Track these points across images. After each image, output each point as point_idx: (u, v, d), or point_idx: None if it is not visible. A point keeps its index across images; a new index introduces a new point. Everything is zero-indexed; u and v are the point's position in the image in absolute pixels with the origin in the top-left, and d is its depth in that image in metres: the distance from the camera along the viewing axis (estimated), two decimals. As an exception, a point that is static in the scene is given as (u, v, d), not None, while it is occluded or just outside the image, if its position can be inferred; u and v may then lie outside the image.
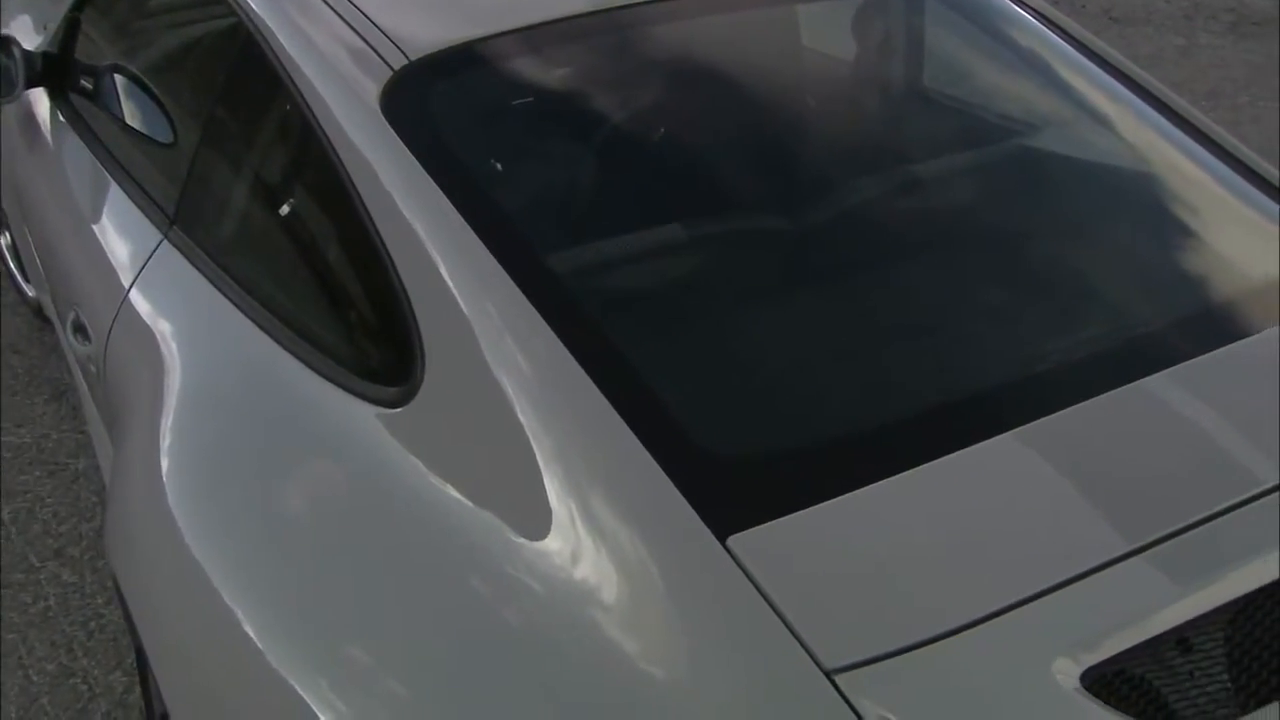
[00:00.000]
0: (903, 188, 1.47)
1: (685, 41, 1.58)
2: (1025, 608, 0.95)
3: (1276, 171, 1.52)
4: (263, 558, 1.17)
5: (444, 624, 1.02)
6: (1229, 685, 0.95)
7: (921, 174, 1.49)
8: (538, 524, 1.03)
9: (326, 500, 1.21)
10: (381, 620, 1.05)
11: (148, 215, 1.76)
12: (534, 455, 1.06)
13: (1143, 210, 1.50)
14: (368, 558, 1.11)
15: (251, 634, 1.10)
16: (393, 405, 1.20)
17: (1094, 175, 1.57)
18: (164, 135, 1.87)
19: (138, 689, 2.01)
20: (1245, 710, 0.92)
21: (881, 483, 1.03)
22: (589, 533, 1.01)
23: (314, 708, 1.02)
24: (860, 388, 1.18)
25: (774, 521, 0.99)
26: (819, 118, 1.63)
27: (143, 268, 1.68)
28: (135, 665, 1.99)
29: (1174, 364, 1.18)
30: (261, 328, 1.41)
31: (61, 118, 2.19)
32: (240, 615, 1.12)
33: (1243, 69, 5.03)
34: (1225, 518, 1.04)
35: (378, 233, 1.28)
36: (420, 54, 1.42)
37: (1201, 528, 1.03)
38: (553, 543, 1.02)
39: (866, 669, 0.90)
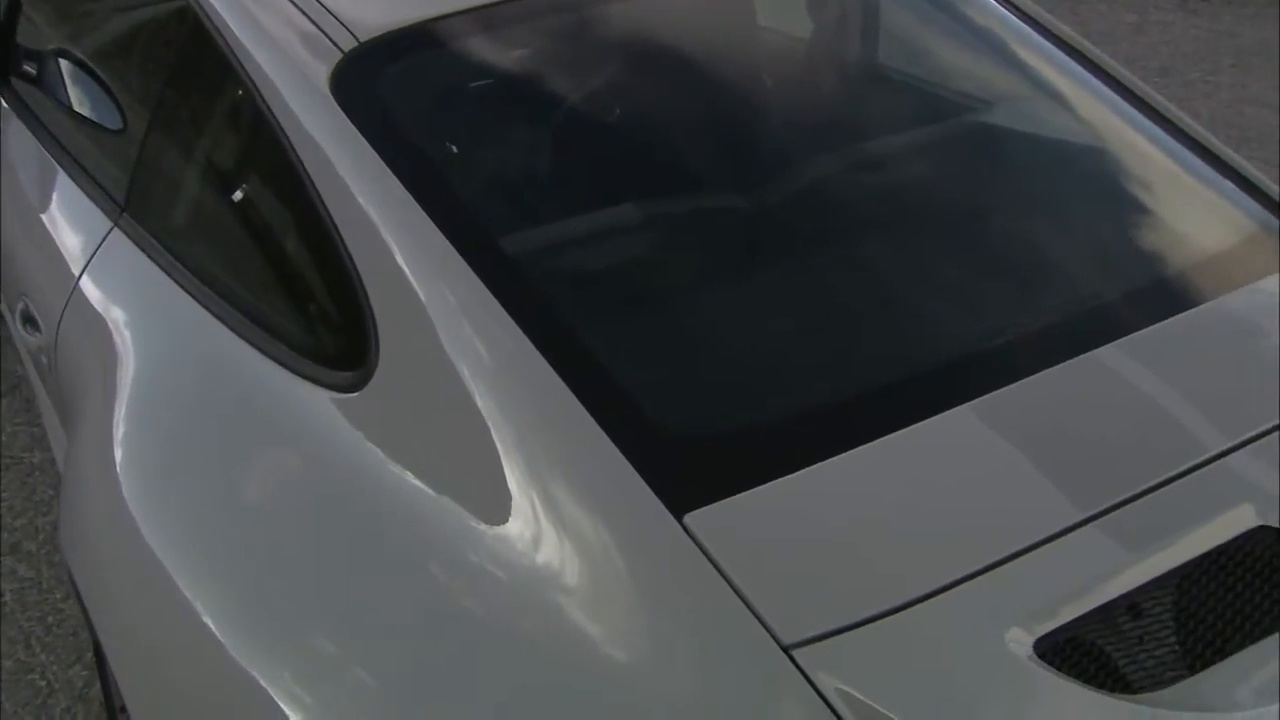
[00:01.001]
0: (856, 165, 1.48)
1: (640, 21, 1.57)
2: (979, 579, 0.96)
3: (1225, 146, 1.54)
4: (220, 548, 1.16)
5: (406, 612, 1.02)
6: (1176, 648, 0.96)
7: (875, 151, 1.49)
8: (496, 509, 1.03)
9: (284, 488, 1.20)
10: (343, 610, 1.05)
11: (96, 203, 1.73)
12: (492, 439, 1.06)
13: (1092, 185, 1.52)
14: (328, 546, 1.10)
15: (211, 626, 1.09)
16: (348, 390, 1.20)
17: (1045, 151, 1.58)
18: (112, 121, 1.84)
19: (98, 684, 2.00)
20: (1192, 671, 0.94)
21: (836, 458, 1.04)
22: (548, 516, 1.01)
23: (276, 699, 1.02)
24: (815, 364, 1.18)
25: (730, 498, 1.00)
26: (774, 97, 1.63)
27: (92, 256, 1.66)
28: (94, 660, 1.97)
29: (1122, 336, 1.19)
30: (214, 314, 1.39)
31: (4, 104, 2.15)
32: (199, 607, 1.11)
33: (1193, 44, 5.10)
34: (1173, 485, 1.06)
35: (330, 217, 1.26)
36: (370, 35, 1.41)
37: (1151, 495, 1.05)
38: (512, 527, 1.02)
39: (823, 643, 0.91)
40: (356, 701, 1.00)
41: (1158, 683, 0.93)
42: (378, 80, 1.38)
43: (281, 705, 1.01)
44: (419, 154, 1.32)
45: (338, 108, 1.33)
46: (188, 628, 1.11)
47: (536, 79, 1.53)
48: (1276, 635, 0.96)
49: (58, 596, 2.18)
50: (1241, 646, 0.95)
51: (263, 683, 1.03)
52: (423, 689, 0.97)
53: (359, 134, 1.30)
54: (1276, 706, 0.89)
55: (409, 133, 1.34)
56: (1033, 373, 1.14)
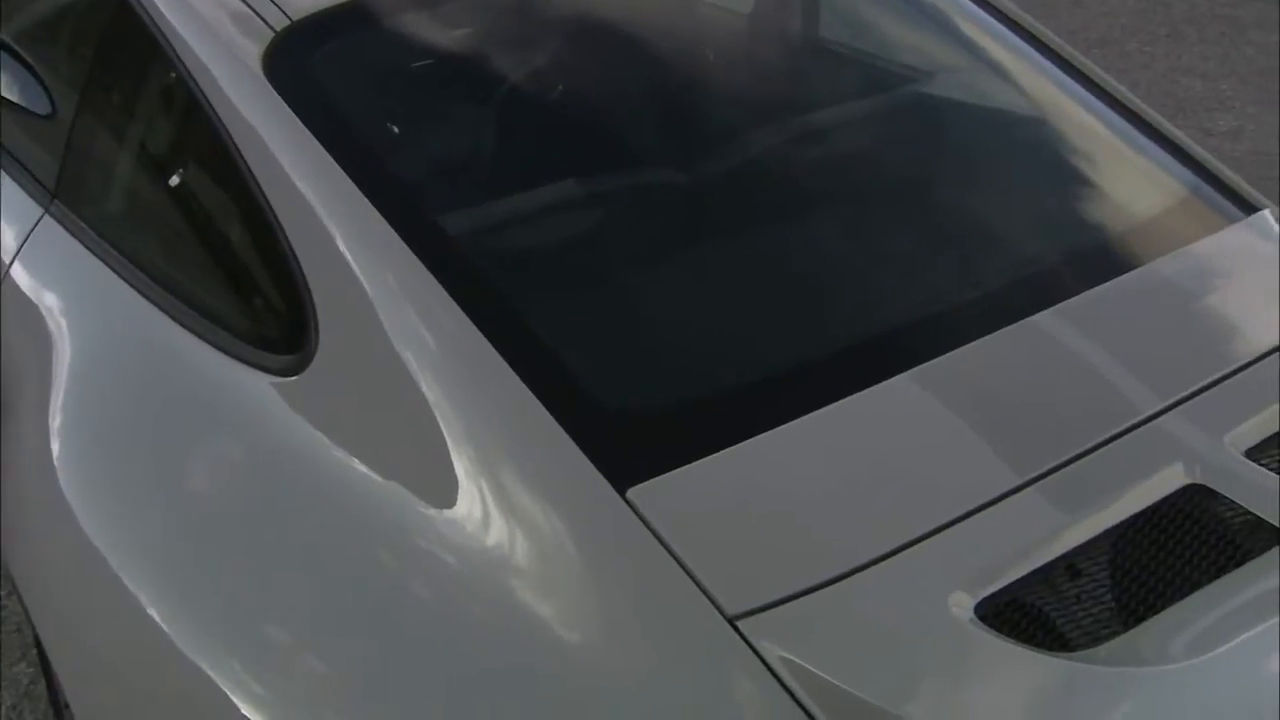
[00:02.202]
0: (795, 139, 1.48)
1: None
2: (920, 545, 0.98)
3: (1159, 116, 1.56)
4: (162, 539, 1.15)
5: (356, 599, 1.01)
6: (1113, 606, 0.99)
7: (813, 124, 1.50)
8: (441, 492, 1.02)
9: (226, 476, 1.19)
10: (292, 598, 1.04)
11: (26, 189, 1.70)
12: (435, 421, 1.05)
13: (1029, 155, 1.53)
14: (273, 534, 1.09)
15: (155, 620, 1.07)
16: (288, 373, 1.18)
17: (983, 122, 1.60)
18: (40, 106, 1.79)
19: (43, 681, 1.96)
20: (1127, 627, 0.96)
21: (777, 429, 1.05)
22: (494, 499, 1.01)
23: (225, 690, 1.00)
24: (755, 337, 1.19)
25: (673, 472, 1.00)
26: (713, 72, 1.63)
27: (23, 244, 1.62)
28: (38, 656, 1.94)
29: (1057, 302, 1.21)
30: (150, 301, 1.37)
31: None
32: (142, 601, 1.10)
33: (1130, 16, 5.16)
34: (1109, 447, 1.08)
35: (266, 200, 1.25)
36: (302, 14, 1.39)
37: (1087, 458, 1.07)
38: (458, 510, 1.01)
39: (767, 613, 0.92)
40: (309, 691, 0.99)
41: (1094, 640, 0.95)
42: (311, 60, 1.36)
43: (231, 696, 1.00)
44: (354, 134, 1.30)
45: (271, 89, 1.31)
46: (130, 622, 1.09)
47: (474, 56, 1.51)
48: (1205, 589, 0.98)
49: (2, 594, 2.14)
50: (1173, 601, 0.97)
51: (210, 674, 1.02)
52: (375, 676, 0.96)
53: (294, 115, 1.28)
54: (1206, 657, 0.91)
55: (344, 113, 1.32)
56: (971, 340, 1.15)
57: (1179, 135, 1.52)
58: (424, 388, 1.07)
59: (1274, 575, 0.98)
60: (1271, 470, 1.08)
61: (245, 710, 0.99)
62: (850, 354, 1.15)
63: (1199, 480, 1.06)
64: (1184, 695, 0.89)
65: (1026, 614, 0.97)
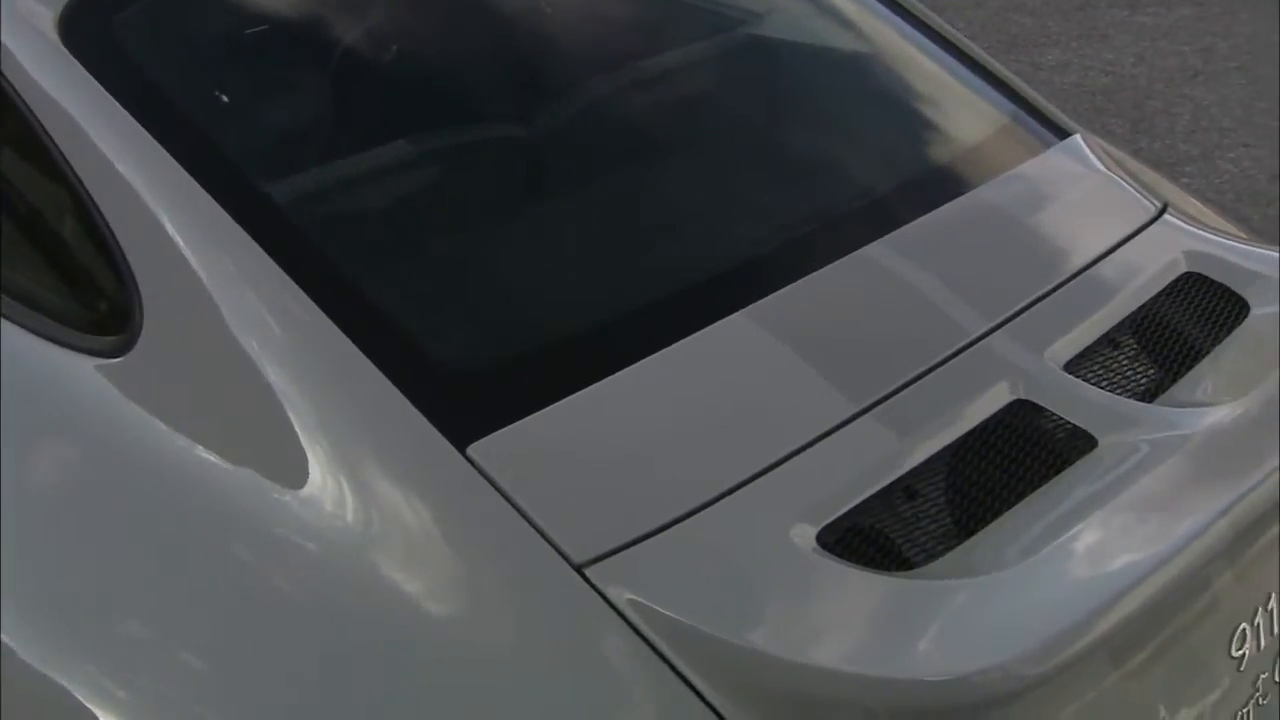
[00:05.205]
0: (622, 85, 1.47)
1: None
2: (761, 479, 0.99)
3: (979, 49, 1.61)
4: None
5: (211, 589, 0.98)
6: (949, 523, 1.02)
7: (638, 70, 1.49)
8: (289, 471, 0.99)
9: (55, 468, 1.13)
10: (142, 596, 1.00)
11: None
12: (271, 392, 1.02)
13: (855, 92, 1.57)
14: (116, 532, 1.04)
15: None
16: (112, 355, 1.13)
17: (810, 60, 1.62)
18: None
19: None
20: (961, 542, 1.00)
21: (614, 376, 1.05)
22: (344, 473, 0.98)
23: (81, 699, 0.96)
24: (587, 287, 1.19)
25: (512, 425, 1.00)
26: (544, 22, 1.60)
27: None
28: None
29: (885, 233, 1.24)
30: None
31: None
32: None
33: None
34: (940, 369, 1.12)
35: (74, 173, 1.18)
36: None
37: (919, 382, 1.10)
38: (308, 489, 0.98)
39: (613, 558, 0.92)
40: (171, 690, 0.96)
41: (931, 557, 0.99)
42: (114, 22, 1.29)
43: (87, 705, 0.96)
44: (167, 102, 1.24)
45: (70, 56, 1.23)
46: None
47: (299, 14, 1.46)
48: (1029, 498, 1.03)
49: None
50: (1002, 512, 1.02)
51: (63, 683, 0.98)
52: (238, 668, 0.94)
53: (99, 85, 1.21)
54: (1031, 561, 0.96)
55: (155, 80, 1.26)
56: (800, 276, 1.17)
57: (996, 66, 1.57)
58: (259, 363, 1.03)
59: (1091, 479, 1.03)
60: (1088, 381, 1.14)
61: (103, 717, 0.95)
62: (682, 297, 1.16)
63: (1023, 396, 1.11)
64: (1013, 599, 0.93)
65: (867, 538, 0.99)
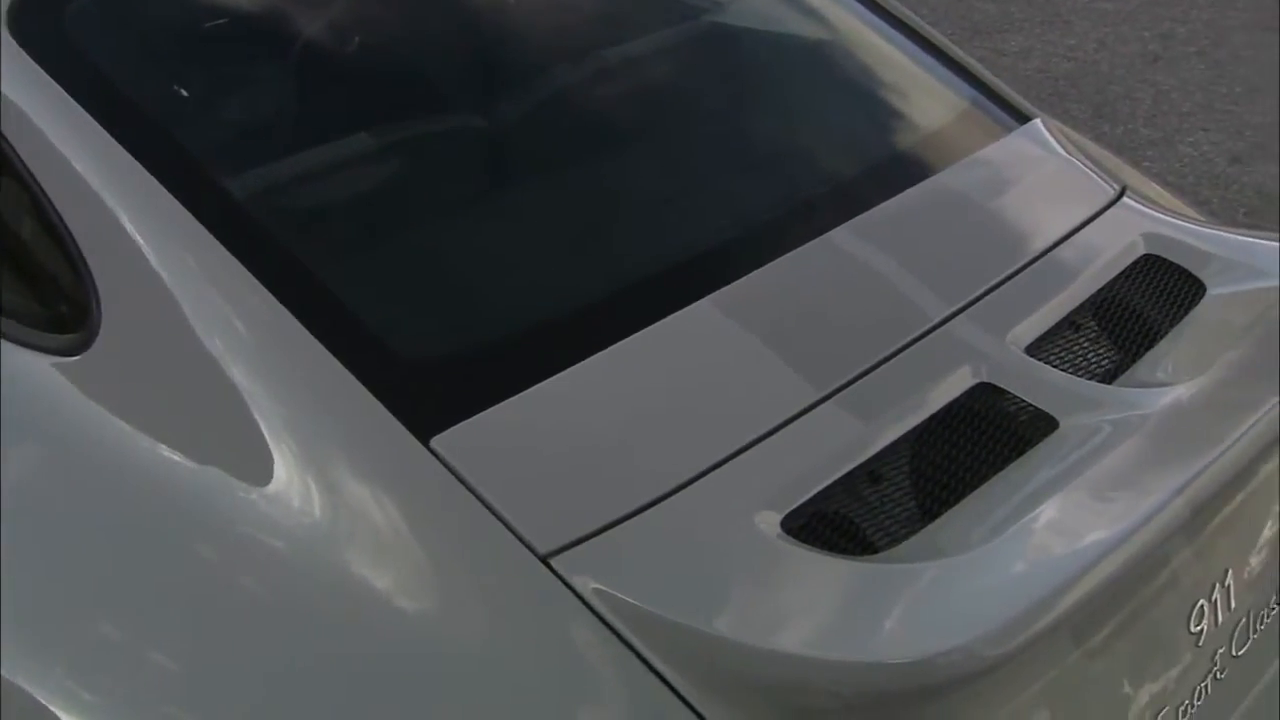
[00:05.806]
0: (579, 76, 1.47)
1: None
2: (725, 466, 1.00)
3: (941, 36, 1.62)
4: None
5: (179, 589, 0.98)
6: (913, 506, 1.03)
7: (596, 60, 1.49)
8: (253, 468, 0.99)
9: (13, 468, 1.12)
10: (110, 598, 0.99)
11: None
12: (236, 392, 1.01)
13: (819, 79, 1.57)
14: (77, 533, 1.03)
15: None
16: (69, 353, 1.12)
17: (773, 48, 1.62)
18: None
19: None
20: (924, 525, 1.01)
21: (578, 365, 1.05)
22: (306, 469, 0.98)
23: (49, 706, 0.95)
24: (550, 276, 1.18)
25: (475, 417, 0.99)
26: (499, 14, 1.60)
27: None
28: None
29: (850, 218, 1.24)
30: None
31: None
32: None
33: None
34: (902, 354, 1.12)
35: (27, 170, 1.16)
36: None
37: (882, 367, 1.11)
38: (272, 486, 0.98)
39: (578, 548, 0.93)
40: (138, 691, 0.95)
41: (895, 541, 0.99)
42: (65, 15, 1.27)
43: (51, 707, 0.95)
44: (117, 95, 1.22)
45: (22, 51, 1.21)
46: None
47: (253, 6, 1.44)
48: (992, 480, 1.03)
49: None
50: (965, 495, 1.03)
51: (26, 686, 0.96)
52: (206, 667, 0.94)
53: (51, 80, 1.19)
54: (994, 542, 0.97)
55: (111, 75, 1.24)
56: (763, 263, 1.17)
57: (956, 52, 1.58)
58: (220, 360, 1.03)
59: (1053, 461, 1.04)
60: (1049, 364, 1.15)
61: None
62: (643, 286, 1.16)
63: (985, 379, 1.12)
64: (976, 580, 0.94)
65: (831, 523, 1.00)
